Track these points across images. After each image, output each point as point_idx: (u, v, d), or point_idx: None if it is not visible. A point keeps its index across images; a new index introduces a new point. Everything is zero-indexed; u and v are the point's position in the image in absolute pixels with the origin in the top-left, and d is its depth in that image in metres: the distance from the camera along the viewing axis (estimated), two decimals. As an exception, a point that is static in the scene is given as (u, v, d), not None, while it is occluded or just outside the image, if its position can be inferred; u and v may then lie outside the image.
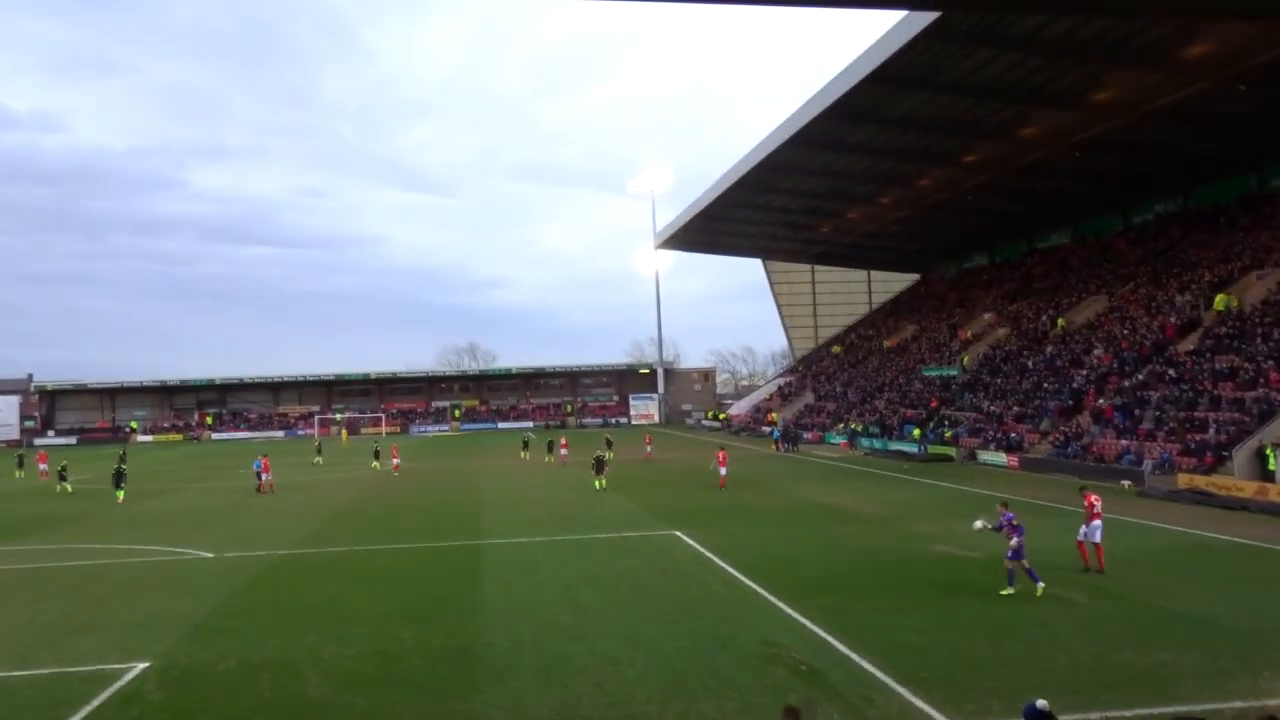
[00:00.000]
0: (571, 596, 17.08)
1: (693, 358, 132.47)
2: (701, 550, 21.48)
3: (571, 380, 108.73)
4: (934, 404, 52.44)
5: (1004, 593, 15.89)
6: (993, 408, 46.09)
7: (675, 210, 75.68)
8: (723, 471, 34.76)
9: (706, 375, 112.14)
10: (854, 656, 12.67)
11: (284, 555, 22.65)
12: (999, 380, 49.16)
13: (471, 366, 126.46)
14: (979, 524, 17.26)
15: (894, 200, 58.17)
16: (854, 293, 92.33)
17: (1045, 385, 44.56)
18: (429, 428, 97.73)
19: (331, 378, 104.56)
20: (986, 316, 60.92)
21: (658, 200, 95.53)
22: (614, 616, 15.49)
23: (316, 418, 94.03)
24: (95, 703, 11.72)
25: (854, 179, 54.19)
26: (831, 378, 75.05)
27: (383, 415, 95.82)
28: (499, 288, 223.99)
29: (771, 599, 16.31)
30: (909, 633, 13.91)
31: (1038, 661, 12.28)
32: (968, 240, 70.82)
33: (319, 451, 57.53)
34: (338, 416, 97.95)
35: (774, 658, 12.82)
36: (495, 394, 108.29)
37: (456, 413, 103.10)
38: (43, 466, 49.91)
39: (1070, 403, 41.28)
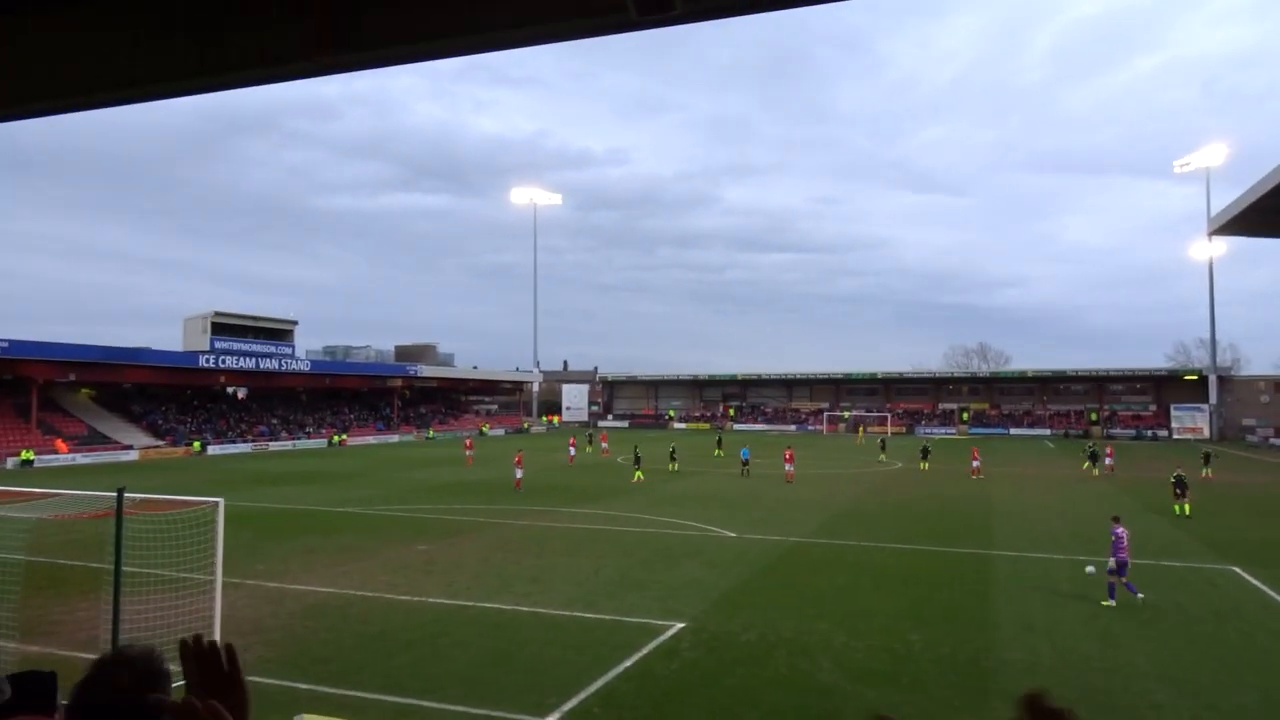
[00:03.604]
0: (1099, 625, 15.44)
1: (1259, 364, 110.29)
2: (1270, 594, 17.92)
3: (1097, 386, 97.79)
4: None
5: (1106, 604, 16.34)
6: None
7: (1234, 192, 63.67)
8: None
9: (1278, 385, 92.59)
10: None
11: (797, 542, 24.03)
12: None
13: (982, 368, 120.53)
14: (1090, 569, 17.75)
15: None
16: None
17: None
18: (936, 430, 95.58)
19: (840, 376, 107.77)
20: None
21: (1213, 181, 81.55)
22: (1154, 655, 13.66)
23: (825, 414, 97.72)
24: (644, 650, 13.67)
25: None
26: None
27: (888, 414, 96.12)
28: (1012, 286, 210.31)
29: (1377, 667, 13.01)
30: None
31: None
32: None
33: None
34: (845, 414, 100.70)
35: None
36: (1007, 398, 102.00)
37: (965, 415, 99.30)
38: (604, 445, 59.50)
39: None
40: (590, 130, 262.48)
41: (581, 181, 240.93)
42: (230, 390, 78.22)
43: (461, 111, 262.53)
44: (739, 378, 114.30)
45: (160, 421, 66.23)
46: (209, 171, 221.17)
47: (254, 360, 70.59)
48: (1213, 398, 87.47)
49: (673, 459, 47.71)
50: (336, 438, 74.85)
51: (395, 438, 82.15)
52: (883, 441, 63.76)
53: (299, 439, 72.43)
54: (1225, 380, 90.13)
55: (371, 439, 79.15)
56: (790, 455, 42.40)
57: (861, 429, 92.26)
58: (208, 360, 66.83)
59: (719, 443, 60.27)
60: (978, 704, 11.48)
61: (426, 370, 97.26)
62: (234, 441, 67.14)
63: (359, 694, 11.67)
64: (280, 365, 73.64)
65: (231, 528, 26.51)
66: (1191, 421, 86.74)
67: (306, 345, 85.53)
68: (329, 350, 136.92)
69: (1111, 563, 17.04)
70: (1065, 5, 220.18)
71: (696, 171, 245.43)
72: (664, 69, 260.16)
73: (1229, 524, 28.03)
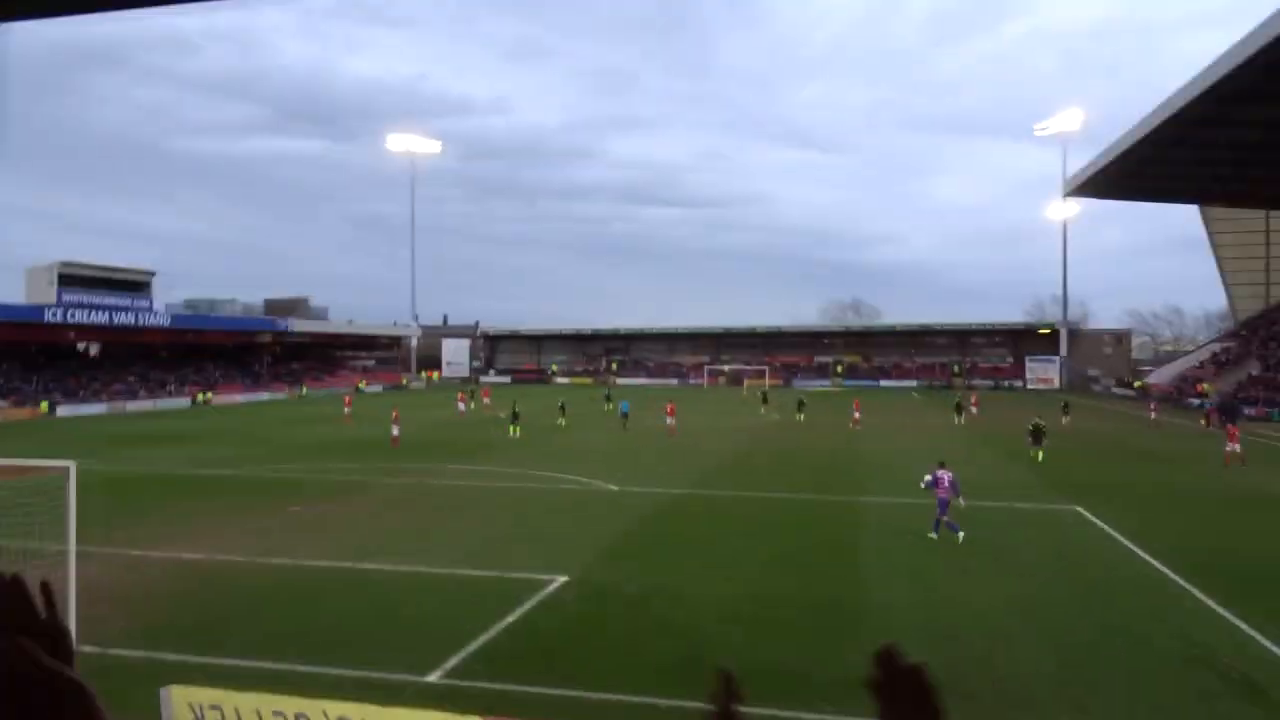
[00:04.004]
0: (958, 565, 16.44)
1: (1104, 319, 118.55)
2: (1108, 530, 19.47)
3: (960, 339, 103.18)
4: None
5: (930, 536, 18.29)
6: None
7: (1087, 155, 67.64)
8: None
9: (1119, 338, 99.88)
10: (1306, 674, 10.78)
11: (677, 494, 24.52)
12: None
13: (855, 323, 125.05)
14: (926, 479, 19.29)
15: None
16: (1324, 242, 75.98)
17: None
18: (811, 382, 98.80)
19: (721, 331, 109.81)
20: None
21: (1069, 145, 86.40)
22: (1005, 591, 14.64)
23: (706, 368, 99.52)
24: (528, 605, 13.73)
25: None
26: (1288, 344, 63.03)
27: (767, 368, 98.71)
28: (885, 244, 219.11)
29: (1197, 594, 14.32)
30: (1387, 657, 11.51)
31: None
32: None
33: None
34: (725, 368, 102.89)
35: (1197, 658, 11.32)
36: (879, 351, 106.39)
37: (839, 369, 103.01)
38: (486, 400, 58.90)
39: None
40: (471, 76, 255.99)
41: (463, 130, 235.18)
42: (82, 347, 73.21)
43: (334, 52, 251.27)
44: (622, 332, 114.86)
45: (1, 381, 61.54)
46: (53, 107, 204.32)
47: (107, 314, 66.09)
48: (1063, 350, 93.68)
49: (562, 413, 47.62)
50: (201, 396, 71.40)
51: (265, 396, 78.99)
52: (764, 394, 65.50)
53: (160, 398, 68.73)
54: (1074, 334, 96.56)
55: (239, 397, 75.85)
56: (672, 409, 43.14)
57: (747, 382, 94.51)
58: (54, 314, 62.25)
59: (608, 398, 60.61)
60: (845, 641, 12.06)
61: (299, 325, 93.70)
62: (87, 402, 63.08)
63: (230, 661, 11.30)
64: (137, 320, 69.35)
65: (86, 493, 25.07)
66: (1044, 372, 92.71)
67: (167, 299, 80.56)
68: (191, 304, 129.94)
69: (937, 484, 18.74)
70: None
71: (581, 122, 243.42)
72: (548, 15, 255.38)
73: (1076, 467, 30.18)
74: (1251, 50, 38.12)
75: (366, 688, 10.22)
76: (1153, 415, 49.20)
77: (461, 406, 54.20)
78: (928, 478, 19.29)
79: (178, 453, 35.25)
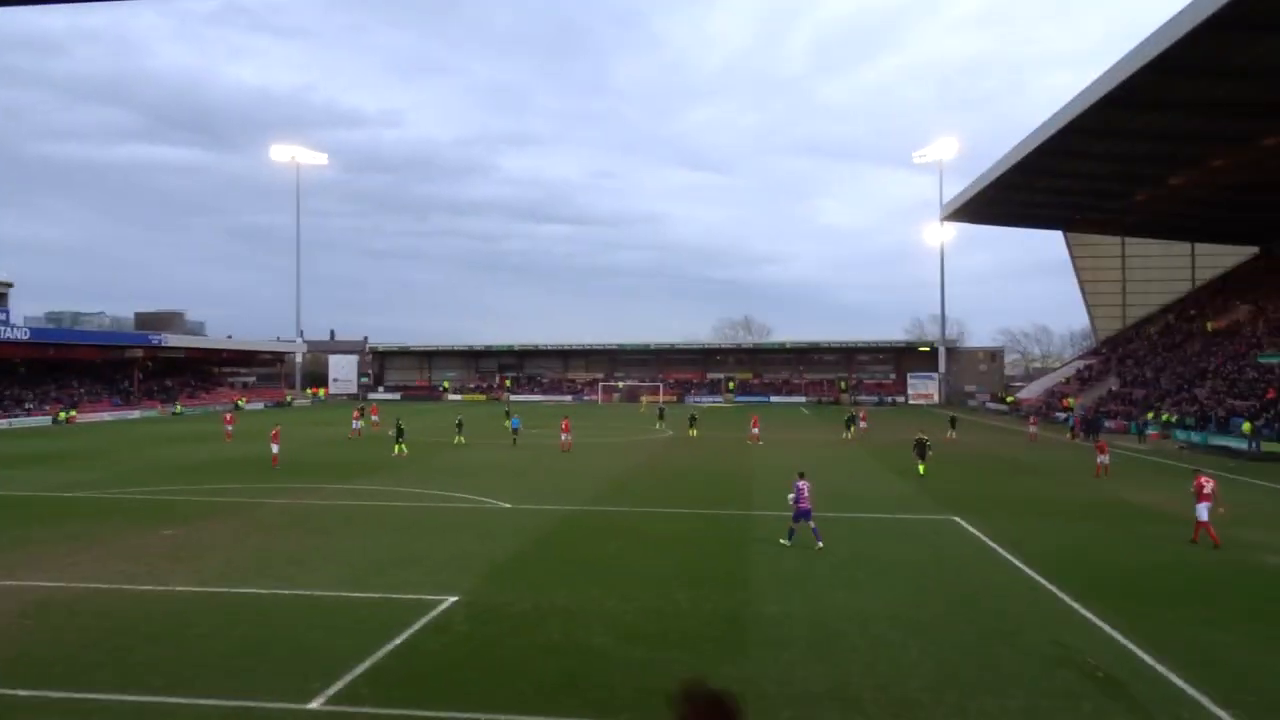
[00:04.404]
0: (844, 575, 16.88)
1: (979, 337, 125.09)
2: (984, 539, 20.37)
3: (846, 356, 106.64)
4: (1270, 394, 45.61)
5: (782, 541, 19.44)
6: (1352, 403, 39.25)
7: (962, 182, 71.18)
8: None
9: (993, 355, 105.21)
10: (1160, 669, 11.47)
11: (573, 510, 24.38)
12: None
13: (746, 340, 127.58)
14: (791, 497, 20.13)
15: (1229, 163, 50.71)
16: (1173, 267, 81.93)
17: None
18: (704, 398, 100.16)
19: (615, 347, 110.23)
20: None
21: (945, 172, 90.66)
22: (888, 600, 15.10)
23: (600, 384, 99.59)
24: (415, 627, 13.34)
25: (1180, 140, 47.83)
26: (1141, 362, 67.54)
27: (660, 384, 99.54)
28: (775, 263, 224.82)
29: (1063, 597, 15.14)
30: (1228, 649, 12.38)
31: (1402, 703, 10.44)
32: (1326, 206, 60.31)
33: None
34: (619, 384, 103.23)
35: (1065, 660, 11.92)
36: (769, 368, 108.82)
37: (731, 385, 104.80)
38: (375, 418, 57.30)
39: None
40: (362, 88, 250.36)
41: (351, 142, 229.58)
42: (-73, 362, 67.82)
43: (215, 58, 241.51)
44: (515, 348, 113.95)
45: None
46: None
47: (-43, 327, 61.47)
48: (942, 367, 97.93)
49: (459, 430, 46.67)
50: (63, 414, 67.00)
51: (136, 414, 74.79)
52: (661, 410, 65.97)
53: (16, 417, 64.17)
54: (952, 351, 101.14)
55: (107, 415, 71.58)
56: (566, 425, 42.96)
57: (644, 398, 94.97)
58: (-105, 327, 57.46)
59: (507, 414, 59.81)
60: (738, 655, 12.20)
61: (173, 339, 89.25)
62: (-67, 421, 58.34)
63: (91, 695, 10.55)
64: (-9, 333, 64.67)
65: (-71, 519, 23.11)
66: (924, 388, 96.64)
67: (25, 311, 75.68)
68: (53, 317, 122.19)
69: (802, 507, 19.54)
70: (823, 1, 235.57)
71: (474, 138, 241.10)
72: (442, 30, 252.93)
73: (955, 480, 31.51)
74: (1103, 90, 40.98)
75: (244, 719, 9.73)
76: (1032, 429, 51.55)
77: (356, 424, 52.55)
78: (790, 496, 20.11)
79: (36, 474, 32.92)
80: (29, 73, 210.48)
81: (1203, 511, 19.72)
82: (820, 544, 18.99)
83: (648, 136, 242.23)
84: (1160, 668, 11.53)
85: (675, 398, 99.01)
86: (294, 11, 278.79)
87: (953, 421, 51.81)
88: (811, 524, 19.36)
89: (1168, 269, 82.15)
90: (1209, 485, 19.96)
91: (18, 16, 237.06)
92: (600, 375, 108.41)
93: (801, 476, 20.03)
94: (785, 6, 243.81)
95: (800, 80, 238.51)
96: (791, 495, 19.96)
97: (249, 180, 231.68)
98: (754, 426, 47.82)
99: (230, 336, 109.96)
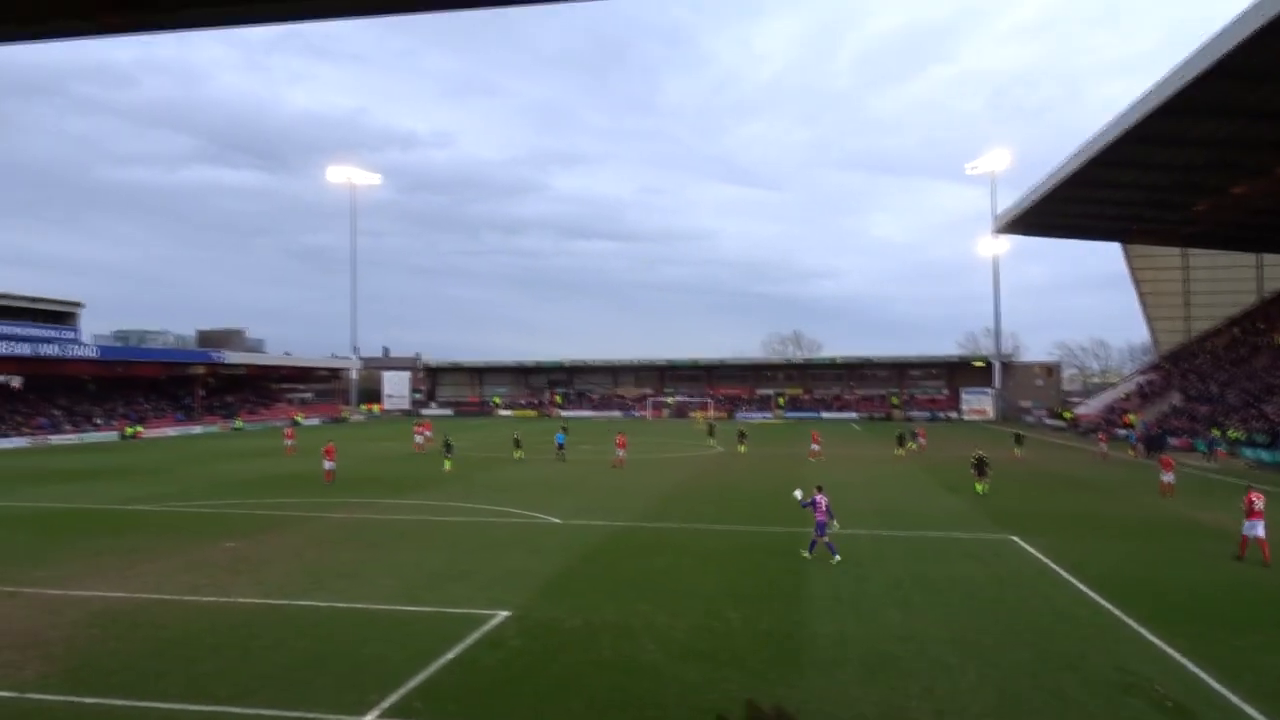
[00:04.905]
0: (899, 595, 16.61)
1: (1035, 351, 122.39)
2: (1044, 560, 19.89)
3: (898, 371, 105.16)
4: (1347, 412, 43.87)
5: (804, 554, 19.96)
6: None
7: (1016, 194, 69.91)
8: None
9: (1050, 370, 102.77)
10: (1233, 698, 11.08)
11: (622, 526, 24.39)
12: None
13: (796, 355, 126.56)
14: (797, 493, 21.26)
15: (1297, 170, 49.06)
16: (1238, 279, 79.09)
17: None
18: (753, 414, 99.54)
19: (664, 363, 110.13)
20: None
21: (998, 184, 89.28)
22: (944, 621, 14.82)
23: (650, 400, 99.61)
24: (468, 641, 13.47)
25: (1245, 148, 46.44)
26: (1206, 377, 65.52)
27: (709, 400, 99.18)
28: (825, 278, 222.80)
29: (1128, 621, 14.71)
30: (1307, 680, 11.90)
31: None
32: (1402, 215, 57.99)
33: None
34: (669, 400, 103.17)
35: (1131, 687, 11.57)
36: (819, 383, 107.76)
37: (781, 400, 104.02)
38: (428, 434, 58.03)
39: None
40: (414, 111, 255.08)
41: (404, 163, 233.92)
42: (2, 379, 70.40)
43: (275, 85, 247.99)
44: (565, 364, 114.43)
45: (-86, 414, 58.78)
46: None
47: (29, 346, 63.58)
48: (997, 382, 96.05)
49: (518, 447, 46.83)
50: (130, 430, 69.05)
51: (198, 429, 76.79)
52: (711, 426, 65.72)
53: (86, 432, 66.28)
54: (1007, 366, 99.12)
55: (171, 431, 73.60)
56: (622, 441, 42.96)
57: (699, 414, 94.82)
58: (-30, 345, 59.82)
59: (564, 429, 60.09)
60: (792, 675, 12.07)
61: (233, 357, 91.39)
62: (6, 436, 60.53)
63: (156, 705, 10.83)
64: (62, 351, 66.88)
65: (3, 530, 23.97)
66: (978, 404, 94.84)
67: (95, 330, 78.24)
68: (121, 335, 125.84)
69: (830, 521, 20.12)
70: (870, 15, 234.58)
71: (524, 158, 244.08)
72: (490, 53, 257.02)
73: (1014, 497, 30.80)
74: (1162, 98, 40.01)
75: (301, 731, 9.91)
76: (1101, 446, 49.70)
77: (419, 439, 53.74)
78: (798, 492, 21.14)
79: (104, 488, 33.95)
80: (99, 102, 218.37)
81: (1258, 528, 19.58)
82: (837, 557, 19.42)
83: (696, 153, 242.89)
84: (1233, 697, 11.14)
85: (725, 414, 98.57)
86: (349, 39, 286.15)
87: (1018, 439, 50.70)
88: (825, 539, 19.74)
89: (1232, 280, 79.54)
90: (1260, 502, 19.85)
91: (90, 50, 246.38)
92: (649, 391, 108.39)
93: (820, 490, 20.58)
94: (832, 22, 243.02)
95: (849, 94, 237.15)
96: (797, 494, 21.22)
97: (306, 201, 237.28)
98: (814, 442, 47.31)
99: (288, 353, 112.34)
